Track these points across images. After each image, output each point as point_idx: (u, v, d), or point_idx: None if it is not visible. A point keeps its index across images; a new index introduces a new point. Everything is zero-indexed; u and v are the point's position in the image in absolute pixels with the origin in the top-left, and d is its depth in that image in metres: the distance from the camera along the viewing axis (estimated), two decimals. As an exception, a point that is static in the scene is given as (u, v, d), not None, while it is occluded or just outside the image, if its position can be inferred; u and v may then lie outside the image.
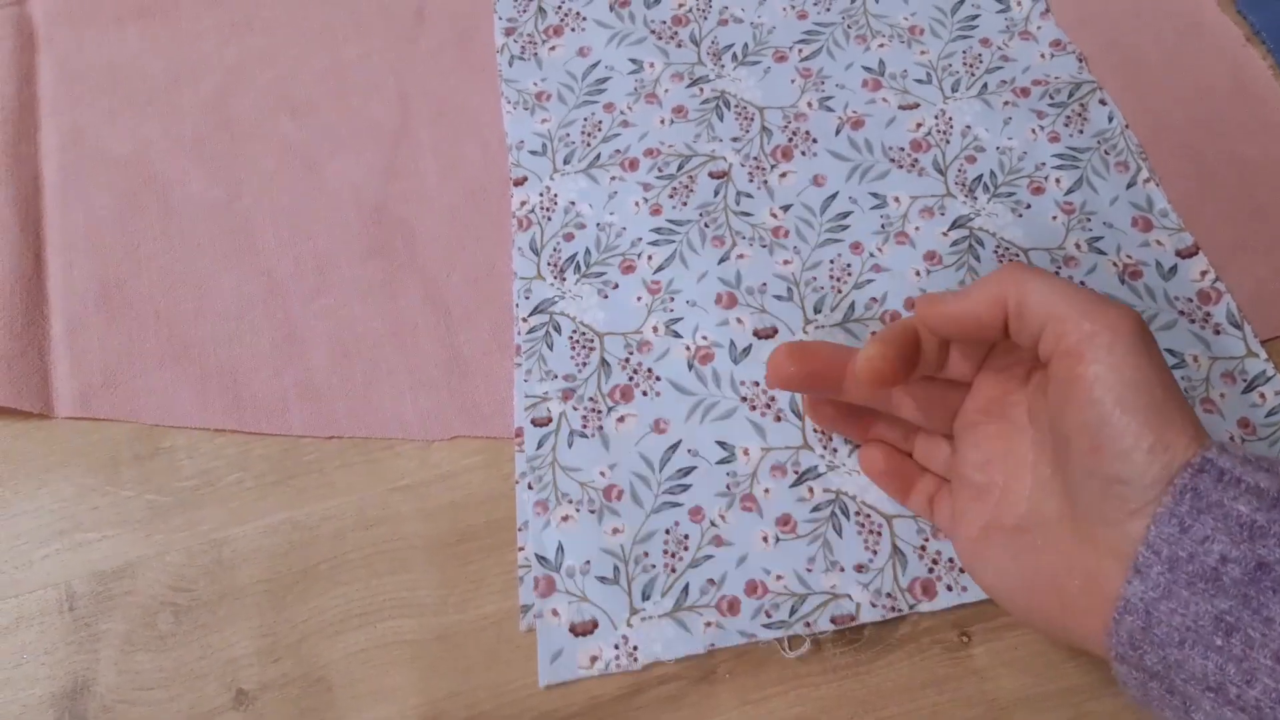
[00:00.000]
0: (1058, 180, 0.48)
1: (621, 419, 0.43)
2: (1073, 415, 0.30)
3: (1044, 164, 0.48)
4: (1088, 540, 0.30)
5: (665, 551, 0.40)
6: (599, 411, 0.43)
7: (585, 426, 0.43)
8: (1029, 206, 0.47)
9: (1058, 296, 0.31)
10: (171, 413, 0.45)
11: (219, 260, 0.48)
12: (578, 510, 0.41)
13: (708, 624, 0.38)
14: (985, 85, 0.51)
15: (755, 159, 0.49)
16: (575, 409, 0.43)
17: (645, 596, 0.39)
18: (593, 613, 0.39)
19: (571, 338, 0.45)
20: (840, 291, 0.45)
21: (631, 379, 0.44)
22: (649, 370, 0.44)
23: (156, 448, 0.44)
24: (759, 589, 0.39)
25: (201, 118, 0.53)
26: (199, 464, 0.43)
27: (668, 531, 0.40)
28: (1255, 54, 0.51)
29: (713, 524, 0.40)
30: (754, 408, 0.43)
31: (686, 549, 0.40)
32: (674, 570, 0.40)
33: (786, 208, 0.48)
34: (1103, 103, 0.50)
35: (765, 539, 0.40)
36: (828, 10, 0.54)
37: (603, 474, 0.42)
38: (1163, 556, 0.28)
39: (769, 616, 0.38)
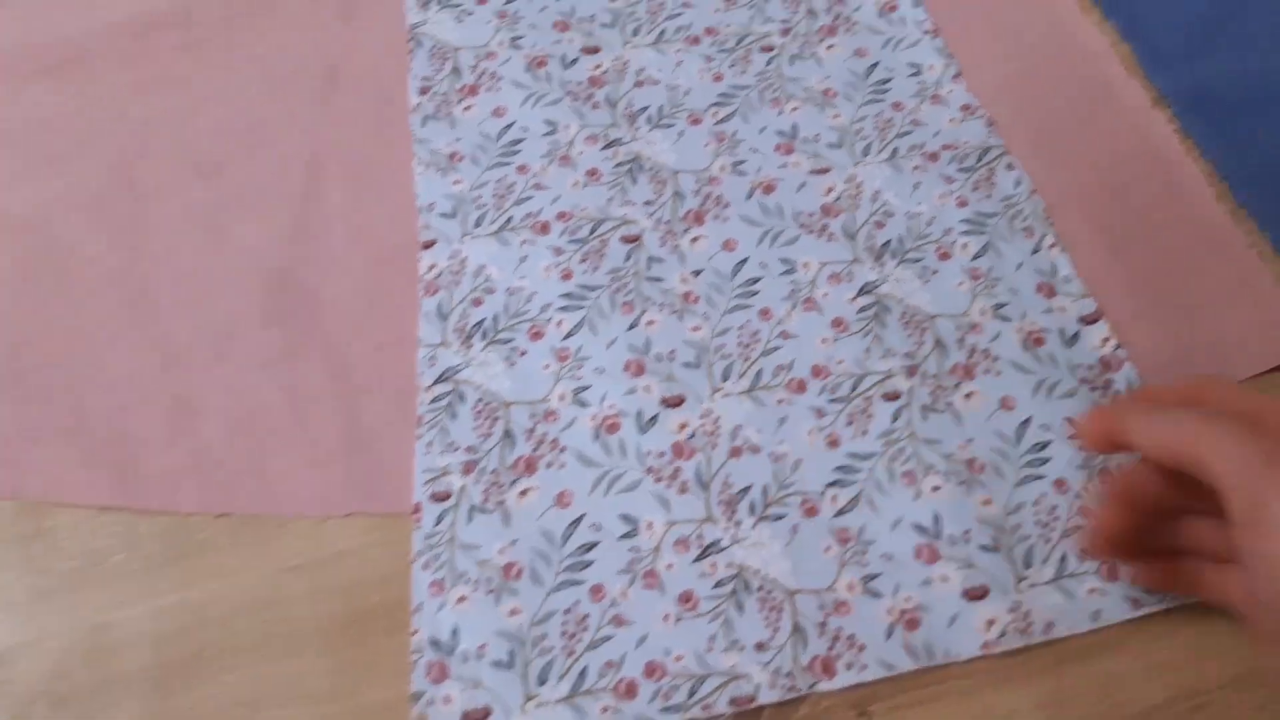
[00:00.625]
0: (965, 245, 0.48)
1: (524, 493, 0.42)
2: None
3: (951, 229, 0.48)
4: None
5: (564, 633, 0.39)
6: (500, 485, 0.43)
7: (486, 501, 0.42)
8: (936, 272, 0.47)
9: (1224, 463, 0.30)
10: (58, 489, 0.43)
11: (116, 326, 0.47)
12: (475, 590, 0.40)
13: (604, 709, 0.38)
14: (896, 150, 0.51)
15: (667, 223, 0.49)
16: (476, 482, 0.43)
17: (541, 681, 0.38)
18: (486, 699, 0.38)
19: (475, 407, 0.44)
20: (748, 359, 0.45)
21: (536, 450, 0.43)
22: (554, 441, 0.43)
23: (39, 527, 0.42)
24: (658, 671, 0.38)
25: (106, 178, 0.52)
26: (83, 543, 0.42)
27: (567, 611, 0.40)
28: (1162, 118, 0.52)
29: (613, 602, 0.40)
30: (659, 479, 0.42)
31: (586, 629, 0.39)
32: (572, 653, 0.39)
33: (697, 273, 0.48)
34: (1010, 167, 0.50)
35: (666, 618, 0.39)
36: (743, 73, 0.54)
37: (502, 551, 0.41)
38: None
39: (667, 700, 0.38)
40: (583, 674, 0.38)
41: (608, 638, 0.39)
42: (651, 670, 0.38)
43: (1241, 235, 0.48)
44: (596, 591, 0.40)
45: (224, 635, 0.40)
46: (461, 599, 0.40)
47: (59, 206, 0.51)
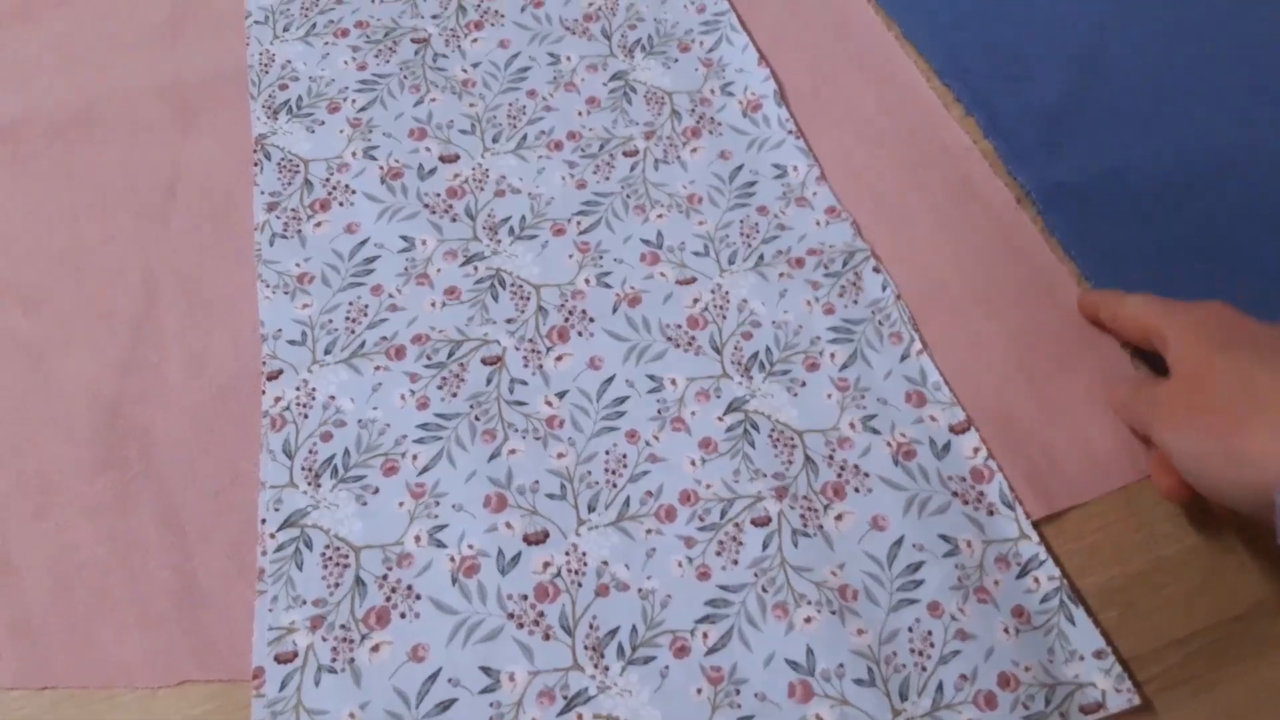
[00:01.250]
0: (832, 355, 0.47)
1: (376, 648, 0.39)
2: None
3: (819, 338, 0.47)
4: None
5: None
6: (351, 641, 0.40)
7: (335, 659, 0.39)
8: (804, 384, 0.46)
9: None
10: None
11: (-76, 481, 0.43)
12: None
13: None
14: (762, 256, 0.50)
15: (530, 341, 0.47)
16: (325, 639, 0.40)
17: None
18: None
19: (324, 555, 0.41)
20: (615, 486, 0.43)
21: (389, 599, 0.40)
22: (409, 588, 0.41)
23: None
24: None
25: (-82, 311, 0.48)
26: (-123, 736, 0.38)
27: None
28: (1024, 216, 0.52)
29: None
30: (521, 625, 0.40)
31: (441, 802, 0.36)
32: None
33: (562, 394, 0.46)
34: (876, 270, 0.49)
35: (529, 782, 0.37)
36: (607, 179, 0.53)
37: (352, 715, 0.38)
38: None
39: None
40: None
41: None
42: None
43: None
44: None
45: (34, 837, 0.36)
46: None
47: None
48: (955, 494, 0.43)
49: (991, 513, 0.43)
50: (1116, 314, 0.46)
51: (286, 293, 0.48)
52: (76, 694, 0.39)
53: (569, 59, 0.57)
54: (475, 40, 0.58)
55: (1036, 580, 0.41)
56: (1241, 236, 0.51)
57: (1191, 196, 0.52)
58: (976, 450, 0.44)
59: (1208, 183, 0.52)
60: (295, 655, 0.39)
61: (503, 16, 0.59)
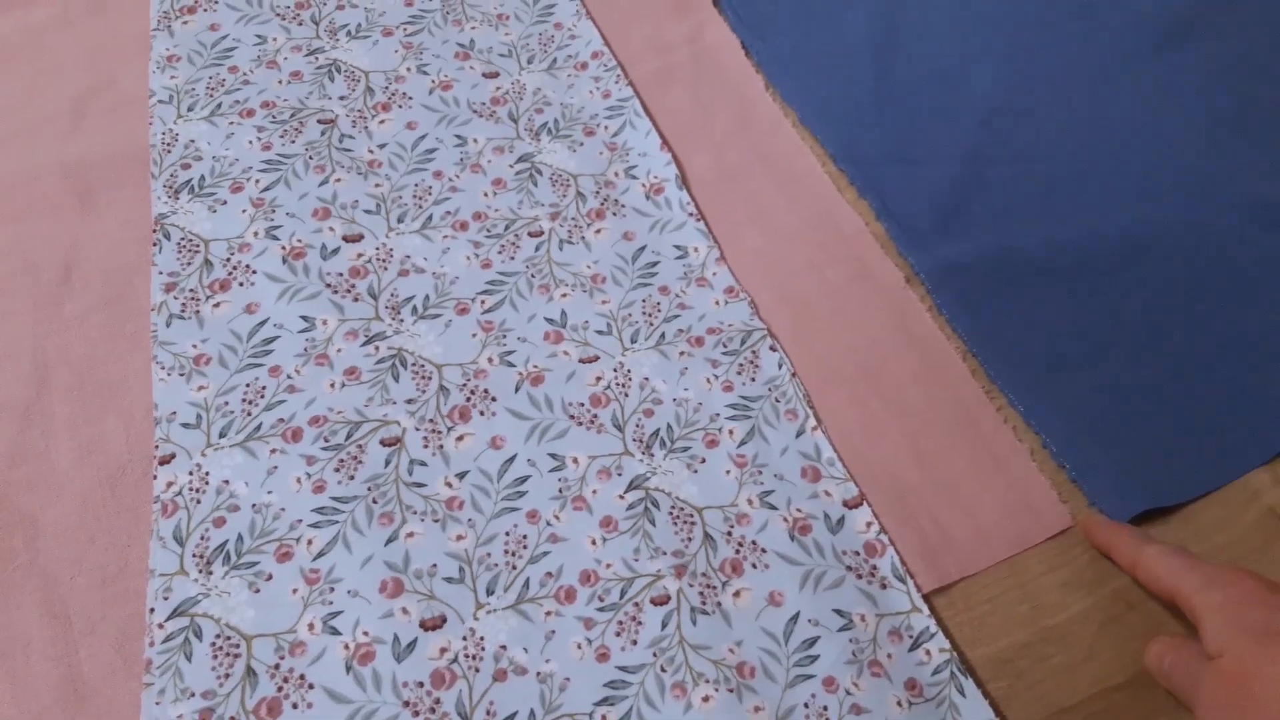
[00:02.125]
0: (731, 431, 0.48)
1: None
2: None
3: (718, 414, 0.48)
4: None
5: None
6: None
7: None
8: (704, 461, 0.47)
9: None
10: None
11: None
12: None
13: None
14: (663, 335, 0.51)
15: (431, 421, 0.47)
16: None
17: None
18: None
19: (214, 644, 0.40)
20: (515, 568, 0.43)
21: (281, 689, 0.40)
22: (301, 677, 0.40)
23: None
24: None
25: None
26: None
27: None
28: (914, 295, 0.54)
29: None
30: (417, 713, 0.39)
31: None
32: None
33: (462, 475, 0.46)
34: (773, 349, 0.51)
35: None
36: (512, 259, 0.54)
37: None
38: None
39: None
40: None
41: None
42: None
43: (994, 412, 0.50)
44: None
45: None
46: None
47: None
48: (849, 568, 0.44)
49: (884, 586, 0.44)
50: (1136, 562, 0.43)
51: (182, 374, 0.48)
52: (-56, 800, 0.37)
53: (476, 141, 0.58)
54: (383, 121, 0.59)
55: (928, 653, 0.42)
56: (1133, 316, 0.53)
57: (1081, 277, 0.54)
58: (869, 524, 0.45)
59: (1098, 265, 0.55)
60: (181, 751, 0.38)
61: (411, 99, 0.60)
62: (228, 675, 0.40)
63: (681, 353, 0.50)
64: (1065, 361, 0.51)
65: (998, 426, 0.49)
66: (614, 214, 0.56)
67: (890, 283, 0.54)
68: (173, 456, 0.45)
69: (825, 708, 0.40)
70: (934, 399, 0.50)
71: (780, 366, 0.50)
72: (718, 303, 0.53)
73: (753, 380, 0.50)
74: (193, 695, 0.39)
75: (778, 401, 0.49)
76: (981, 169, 0.59)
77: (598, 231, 0.55)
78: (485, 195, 0.56)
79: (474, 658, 0.41)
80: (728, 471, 0.47)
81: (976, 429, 0.49)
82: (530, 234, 0.55)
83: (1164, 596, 0.42)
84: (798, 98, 0.63)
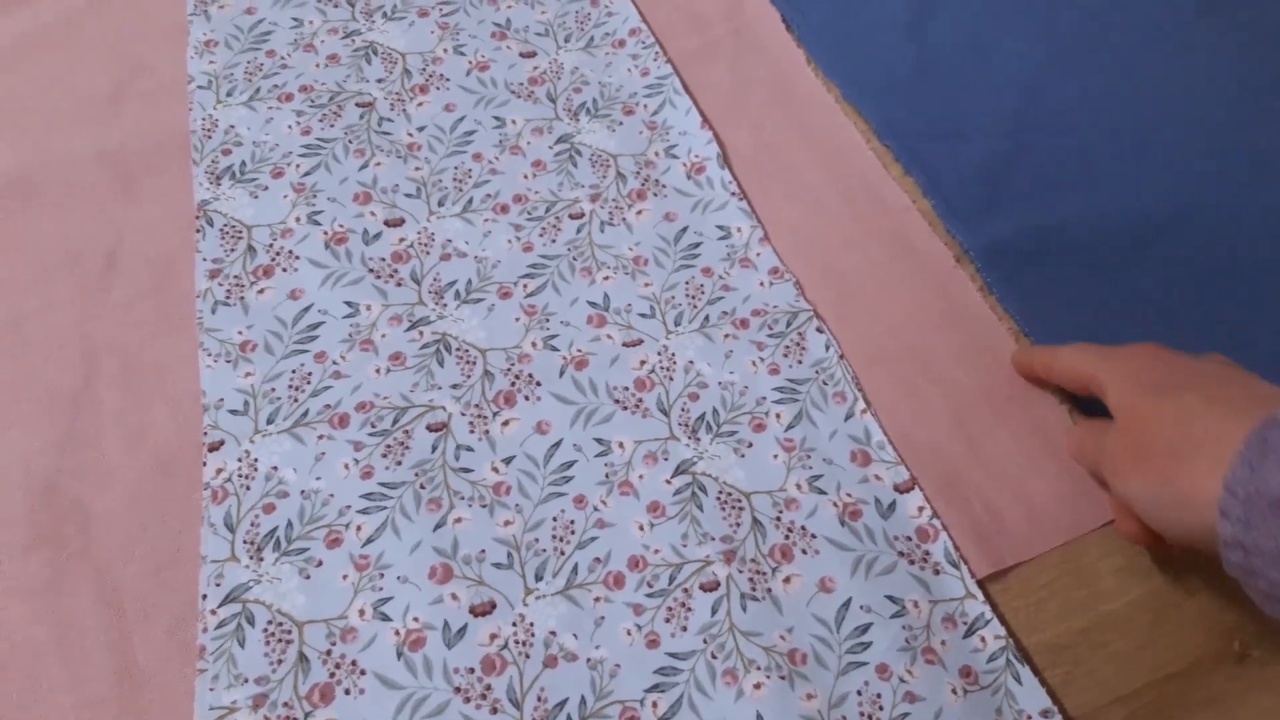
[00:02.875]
0: (778, 415, 0.47)
1: None
2: None
3: (764, 398, 0.48)
4: None
5: None
6: (294, 719, 0.39)
7: None
8: (751, 445, 0.46)
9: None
10: None
11: None
12: None
13: None
14: (707, 317, 0.51)
15: (476, 406, 0.47)
16: (267, 719, 0.39)
17: None
18: None
19: (266, 630, 0.41)
20: (563, 553, 0.43)
21: (333, 675, 0.40)
22: (353, 663, 0.40)
23: None
24: None
25: None
26: None
27: None
28: (964, 275, 0.53)
29: None
30: (468, 699, 0.39)
31: None
32: None
33: (509, 460, 0.46)
34: (820, 330, 0.50)
35: None
36: (553, 242, 0.53)
37: None
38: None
39: None
40: None
41: None
42: None
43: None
44: None
45: None
46: None
47: None
48: (901, 554, 0.44)
49: (937, 572, 0.43)
50: (1051, 365, 0.46)
51: (229, 361, 0.48)
52: (6, 786, 0.38)
53: (514, 122, 0.58)
54: (421, 104, 0.59)
55: (983, 639, 0.42)
56: (1184, 290, 0.52)
57: (1131, 251, 0.53)
58: (921, 509, 0.45)
59: (1148, 238, 0.53)
60: (236, 737, 0.38)
61: (448, 81, 0.60)
62: (280, 661, 0.40)
63: (726, 335, 0.50)
64: (1120, 340, 0.50)
65: (1052, 408, 0.48)
66: (655, 194, 0.55)
67: (937, 261, 0.53)
68: (221, 443, 0.45)
69: (879, 695, 0.40)
70: (984, 380, 0.49)
71: (828, 348, 0.49)
72: (762, 284, 0.52)
73: (799, 363, 0.49)
74: (246, 681, 0.40)
75: (825, 384, 0.48)
76: (1029, 144, 0.58)
77: (639, 213, 0.54)
78: (525, 177, 0.56)
79: (524, 644, 0.41)
80: (775, 456, 0.46)
81: (1030, 411, 0.48)
82: (571, 216, 0.54)
83: (1079, 387, 0.45)
84: (839, 72, 0.61)
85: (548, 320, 0.50)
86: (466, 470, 0.45)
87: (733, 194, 0.55)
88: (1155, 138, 0.58)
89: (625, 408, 0.47)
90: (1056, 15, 0.64)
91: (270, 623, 0.41)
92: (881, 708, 0.40)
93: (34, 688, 0.40)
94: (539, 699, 0.39)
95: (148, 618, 0.41)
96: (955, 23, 0.64)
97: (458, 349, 0.49)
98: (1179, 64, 0.61)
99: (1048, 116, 0.59)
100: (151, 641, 0.41)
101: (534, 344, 0.49)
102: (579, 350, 0.49)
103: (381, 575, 0.42)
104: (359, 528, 0.43)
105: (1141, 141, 0.58)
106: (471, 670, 0.40)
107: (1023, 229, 0.54)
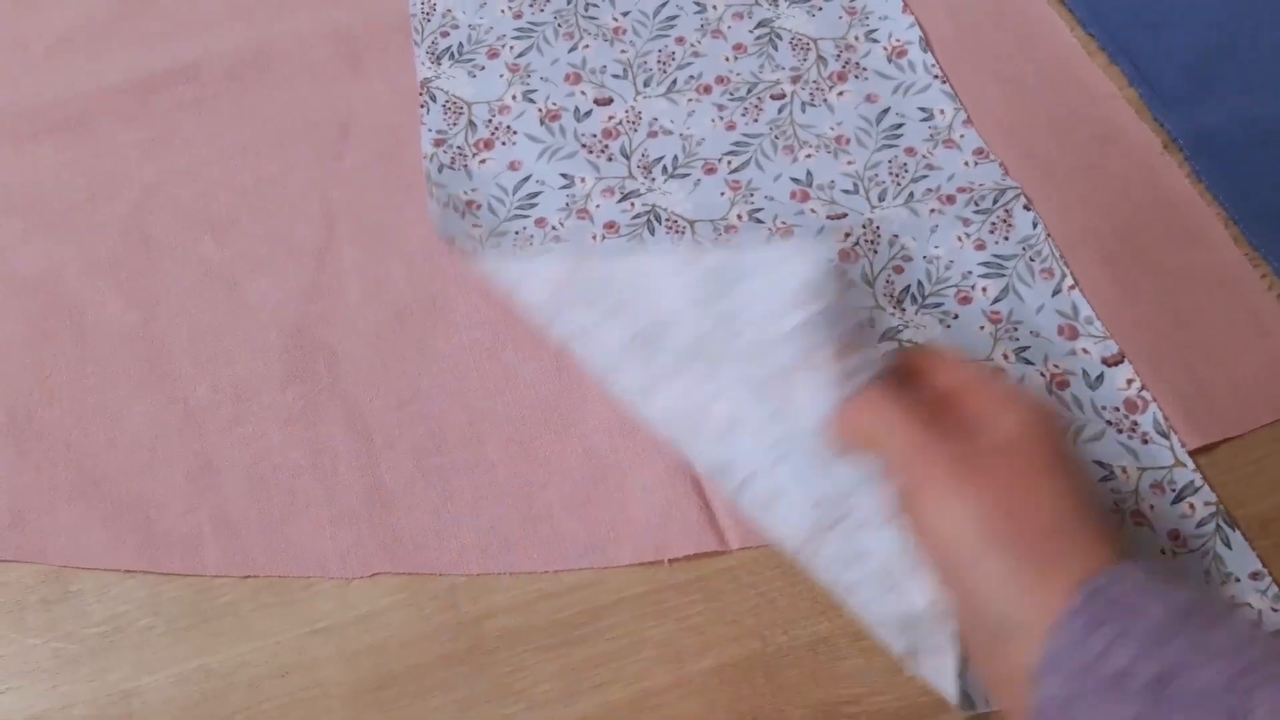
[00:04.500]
0: (984, 289, 0.48)
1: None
2: None
3: (970, 272, 0.48)
4: None
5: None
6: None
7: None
8: (956, 317, 0.47)
9: None
10: (80, 553, 0.42)
11: (132, 387, 0.47)
12: None
13: None
14: (911, 194, 0.51)
15: (685, 273, 0.49)
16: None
17: None
18: None
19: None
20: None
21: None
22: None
23: (65, 591, 0.42)
24: None
25: (118, 237, 0.51)
26: (109, 608, 0.41)
27: None
28: (1172, 161, 0.52)
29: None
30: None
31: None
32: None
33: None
34: (1027, 208, 0.50)
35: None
36: (755, 121, 0.54)
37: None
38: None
39: None
40: None
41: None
42: None
43: (1257, 277, 0.48)
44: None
45: (250, 701, 0.39)
46: None
47: (71, 267, 0.50)
48: (1109, 423, 0.44)
49: (1146, 441, 0.44)
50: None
51: (457, 211, 0.51)
52: (276, 583, 0.42)
53: (715, 7, 0.59)
54: (623, -12, 0.60)
55: (1191, 506, 0.42)
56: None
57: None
58: (1130, 381, 0.45)
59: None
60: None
61: (650, -34, 0.61)
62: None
63: (931, 210, 0.50)
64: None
65: (1262, 292, 0.48)
66: (856, 77, 0.56)
67: (1146, 147, 0.53)
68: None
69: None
70: (1193, 263, 0.49)
71: (1035, 226, 0.50)
72: (967, 164, 0.52)
73: (1005, 239, 0.49)
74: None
75: (1032, 261, 0.49)
76: (1238, 31, 0.57)
77: (840, 94, 0.55)
78: (726, 60, 0.57)
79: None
80: (981, 328, 0.47)
81: (1239, 293, 0.48)
82: (773, 97, 0.55)
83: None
84: (1044, -41, 0.60)
85: (752, 195, 0.52)
86: None
87: (935, 76, 0.55)
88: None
89: (830, 275, 0.49)
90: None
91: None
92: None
93: (294, 504, 0.44)
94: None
95: (392, 447, 0.45)
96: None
97: (667, 219, 0.51)
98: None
99: (1257, 6, 0.58)
100: (397, 467, 0.44)
101: (739, 216, 0.51)
102: (784, 222, 0.51)
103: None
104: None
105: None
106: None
107: (1231, 118, 0.54)
